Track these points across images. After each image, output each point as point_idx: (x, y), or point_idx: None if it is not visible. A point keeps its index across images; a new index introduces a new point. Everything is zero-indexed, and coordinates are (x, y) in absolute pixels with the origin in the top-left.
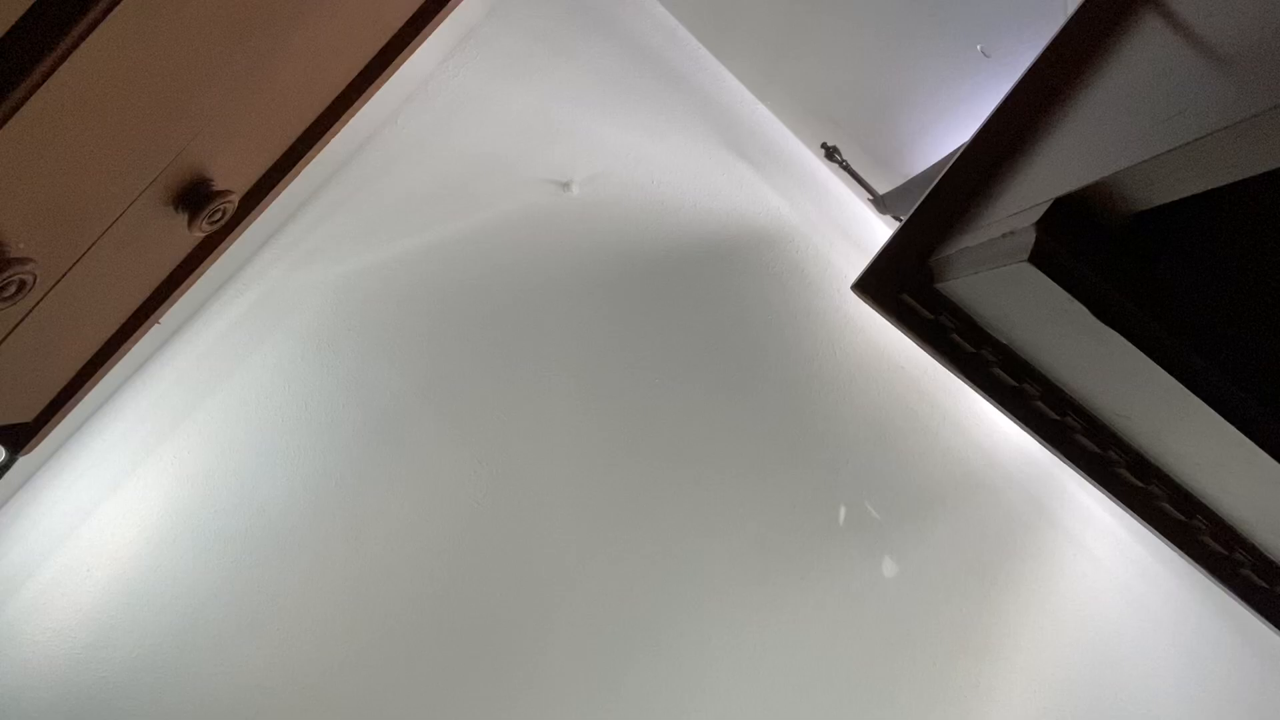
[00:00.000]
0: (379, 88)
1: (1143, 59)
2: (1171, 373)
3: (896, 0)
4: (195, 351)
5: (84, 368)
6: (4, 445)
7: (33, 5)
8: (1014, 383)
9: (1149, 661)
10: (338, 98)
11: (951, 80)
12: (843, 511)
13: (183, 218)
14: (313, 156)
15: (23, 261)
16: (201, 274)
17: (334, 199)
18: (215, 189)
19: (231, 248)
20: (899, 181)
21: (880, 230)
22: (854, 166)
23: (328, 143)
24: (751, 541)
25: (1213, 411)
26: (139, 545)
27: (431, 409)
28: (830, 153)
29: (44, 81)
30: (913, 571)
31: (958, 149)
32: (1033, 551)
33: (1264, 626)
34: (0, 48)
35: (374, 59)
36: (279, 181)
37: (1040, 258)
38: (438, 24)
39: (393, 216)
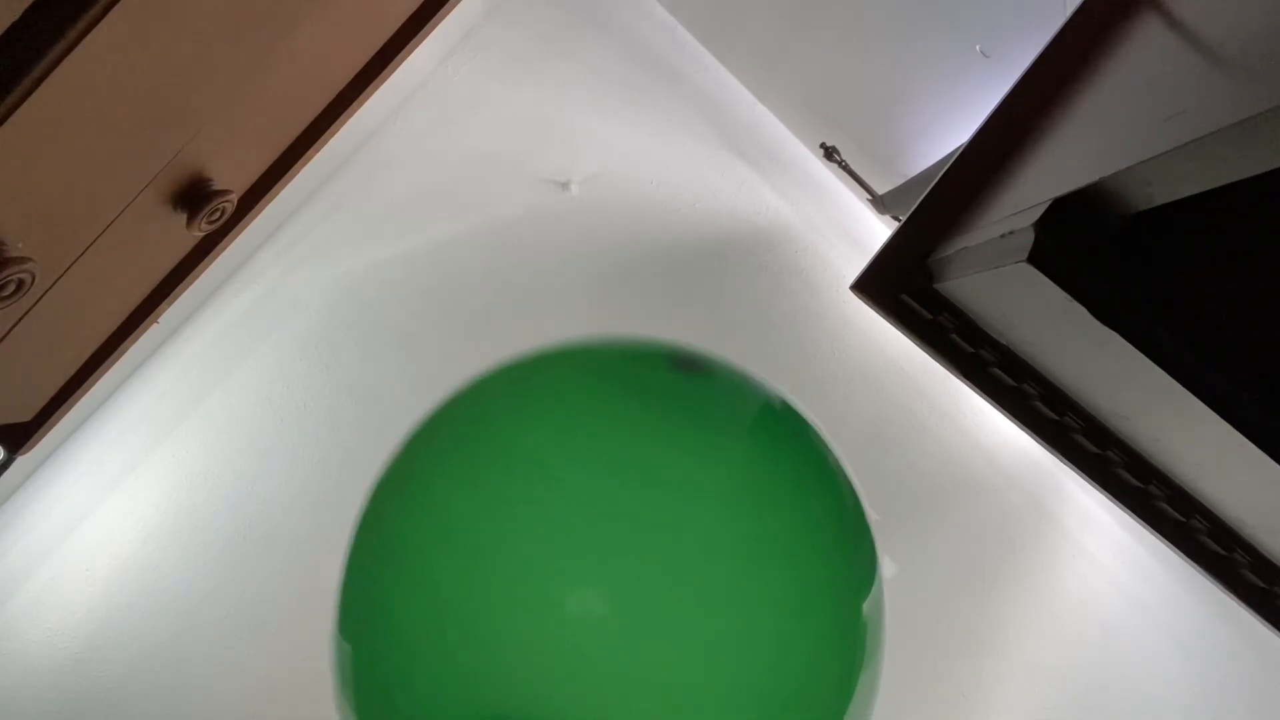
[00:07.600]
0: (379, 88)
1: (1143, 59)
2: (1171, 373)
3: (896, 0)
4: (194, 351)
5: (83, 367)
6: (3, 445)
7: (32, 4)
8: (1014, 383)
9: (1148, 661)
10: (338, 98)
11: (951, 80)
12: None
13: (182, 217)
14: (312, 156)
15: (21, 261)
16: (200, 273)
17: (334, 199)
18: (214, 189)
19: (230, 247)
20: (899, 181)
21: (880, 230)
22: (853, 166)
23: (327, 142)
24: None
25: (1212, 411)
26: (138, 545)
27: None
28: (829, 153)
29: (43, 81)
30: (912, 571)
31: (957, 149)
32: (1032, 552)
33: (1264, 627)
34: (0, 48)
35: (374, 59)
36: (278, 181)
37: (1039, 258)
38: (438, 24)
39: (393, 216)
